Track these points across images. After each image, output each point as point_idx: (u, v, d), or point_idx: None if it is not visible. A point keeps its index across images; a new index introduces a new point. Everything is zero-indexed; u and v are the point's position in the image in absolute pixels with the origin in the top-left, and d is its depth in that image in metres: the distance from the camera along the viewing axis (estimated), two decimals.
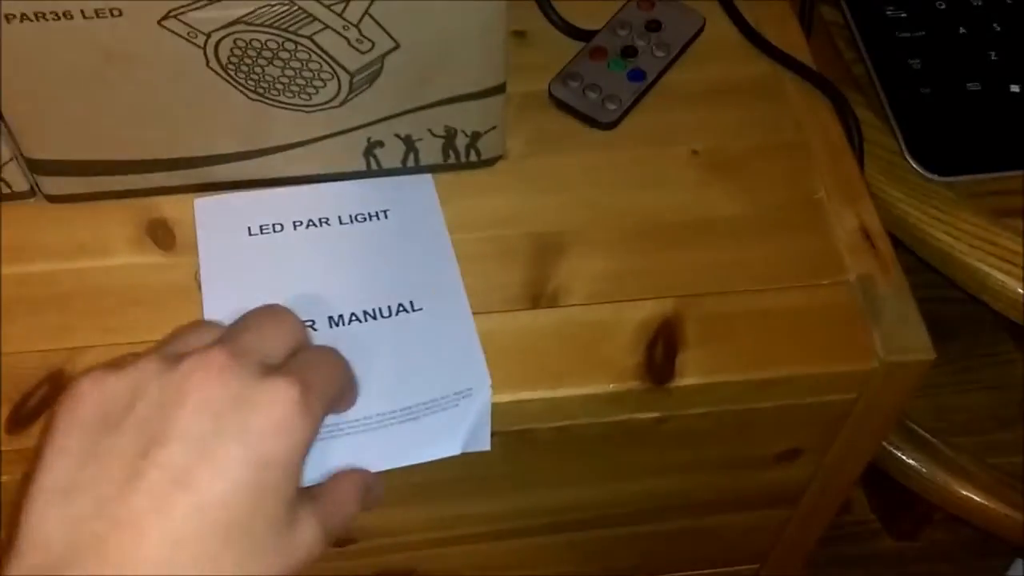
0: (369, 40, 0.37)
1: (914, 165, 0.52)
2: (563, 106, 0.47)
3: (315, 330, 0.39)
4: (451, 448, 0.37)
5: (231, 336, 0.32)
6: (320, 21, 0.36)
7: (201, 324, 0.34)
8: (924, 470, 0.67)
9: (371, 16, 0.37)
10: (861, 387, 0.42)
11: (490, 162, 0.45)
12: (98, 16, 0.35)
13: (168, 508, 0.27)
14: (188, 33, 0.36)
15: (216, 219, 0.42)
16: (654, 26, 0.49)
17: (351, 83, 0.39)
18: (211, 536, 0.27)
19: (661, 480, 0.48)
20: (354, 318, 0.39)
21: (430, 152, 0.43)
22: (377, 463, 0.36)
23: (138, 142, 0.41)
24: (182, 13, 0.35)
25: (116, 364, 0.30)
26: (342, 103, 0.40)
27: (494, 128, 0.43)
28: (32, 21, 0.35)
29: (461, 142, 0.43)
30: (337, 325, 0.39)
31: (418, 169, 0.44)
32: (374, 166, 0.43)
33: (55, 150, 0.40)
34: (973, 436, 0.69)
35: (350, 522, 0.33)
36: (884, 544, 0.93)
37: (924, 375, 0.42)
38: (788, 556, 0.57)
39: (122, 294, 0.41)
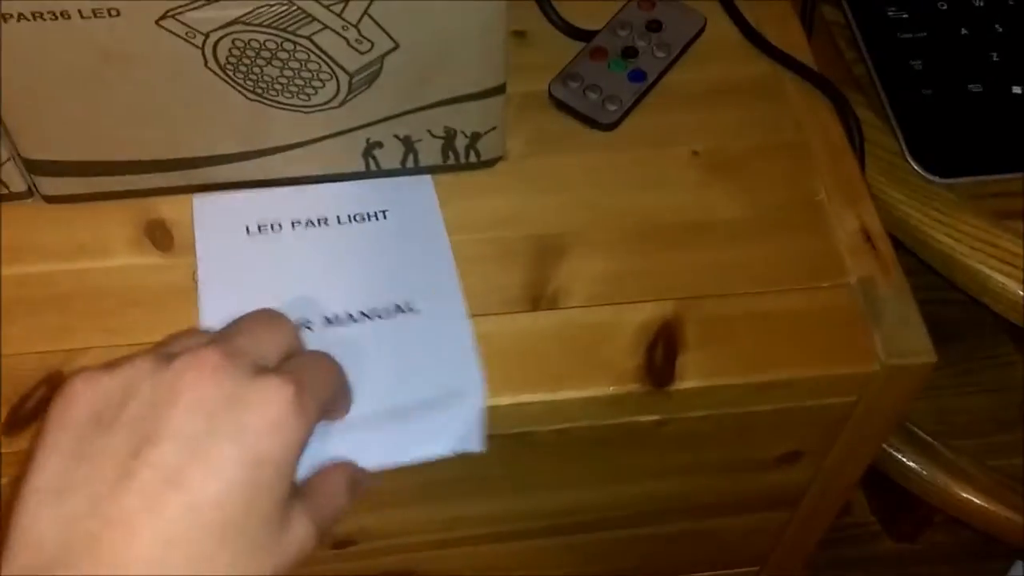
0: (368, 40, 0.37)
1: (915, 166, 0.51)
2: (563, 107, 0.47)
3: (311, 330, 0.39)
4: (440, 448, 0.37)
5: (225, 337, 0.31)
6: (319, 21, 0.36)
7: (195, 330, 0.34)
8: (924, 472, 0.67)
9: (370, 16, 0.36)
10: (862, 390, 0.42)
11: (490, 163, 0.45)
12: (96, 16, 0.35)
13: (160, 507, 0.27)
14: (186, 33, 0.36)
15: (214, 218, 0.42)
16: (655, 26, 0.49)
17: (350, 83, 0.39)
18: (204, 535, 0.27)
19: (661, 483, 0.47)
20: (350, 318, 0.39)
21: (430, 153, 0.43)
22: (366, 462, 0.36)
23: (136, 142, 0.40)
24: (180, 13, 0.35)
25: (110, 364, 0.30)
26: (341, 103, 0.40)
27: (494, 129, 0.43)
28: (30, 21, 0.34)
29: (461, 143, 0.43)
30: (333, 325, 0.39)
31: (418, 170, 0.44)
32: (373, 167, 0.43)
33: (53, 150, 0.40)
34: (973, 438, 0.68)
35: (341, 516, 0.33)
36: (884, 546, 0.93)
37: (925, 378, 0.41)
38: (788, 558, 0.57)
39: (121, 295, 0.41)
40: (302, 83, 0.39)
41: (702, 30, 0.50)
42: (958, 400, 0.70)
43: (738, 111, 0.48)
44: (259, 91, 0.39)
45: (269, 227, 0.42)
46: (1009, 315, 0.50)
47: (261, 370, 0.30)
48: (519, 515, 0.48)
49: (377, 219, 0.43)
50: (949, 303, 0.57)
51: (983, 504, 0.66)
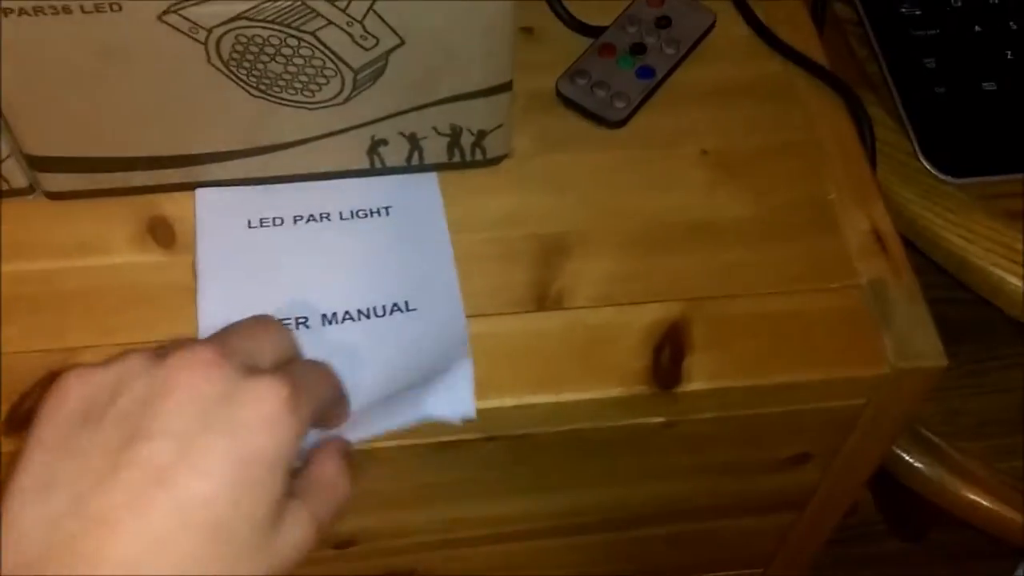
0: (373, 36, 0.37)
1: (928, 166, 0.51)
2: (571, 104, 0.46)
3: (308, 327, 0.39)
4: (429, 410, 0.36)
5: (220, 338, 0.31)
6: (323, 17, 0.36)
7: (193, 339, 0.34)
8: (932, 474, 0.66)
9: (375, 12, 0.36)
10: (871, 393, 0.41)
11: (496, 161, 0.44)
12: (97, 11, 0.34)
13: (145, 506, 0.27)
14: (189, 29, 0.35)
15: (216, 210, 0.42)
16: (664, 23, 0.49)
17: (355, 80, 0.38)
18: (192, 536, 0.27)
19: (666, 484, 0.47)
20: (347, 316, 0.39)
21: (435, 150, 0.43)
22: (355, 434, 0.35)
23: (138, 139, 0.40)
24: (183, 8, 0.35)
25: (104, 361, 0.30)
26: (346, 100, 0.39)
27: (500, 127, 0.42)
28: (30, 16, 0.34)
29: (467, 141, 0.43)
30: (330, 323, 0.39)
31: (423, 168, 0.44)
32: (378, 164, 0.43)
33: (55, 146, 0.40)
34: (981, 440, 0.68)
35: (345, 505, 0.32)
36: (890, 545, 0.93)
37: (935, 381, 0.41)
38: (793, 559, 0.57)
39: (122, 293, 0.40)
40: (306, 79, 0.38)
41: (712, 27, 0.49)
42: (966, 401, 0.69)
43: (748, 109, 0.47)
44: (262, 87, 0.38)
45: (271, 221, 0.42)
46: (1022, 317, 0.50)
47: (255, 370, 0.30)
48: (522, 516, 0.48)
49: (379, 216, 0.42)
50: (957, 302, 0.57)
51: (990, 506, 0.66)
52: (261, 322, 0.33)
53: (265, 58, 0.37)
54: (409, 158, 0.43)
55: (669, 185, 0.45)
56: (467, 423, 0.38)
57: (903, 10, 0.55)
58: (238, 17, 0.35)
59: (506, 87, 0.41)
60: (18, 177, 0.41)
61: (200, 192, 0.42)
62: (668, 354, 0.40)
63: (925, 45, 0.54)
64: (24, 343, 0.39)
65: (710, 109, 0.47)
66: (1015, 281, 0.48)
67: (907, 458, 0.66)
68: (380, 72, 0.38)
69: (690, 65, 0.48)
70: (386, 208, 0.43)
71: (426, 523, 0.47)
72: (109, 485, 0.27)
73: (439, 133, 0.42)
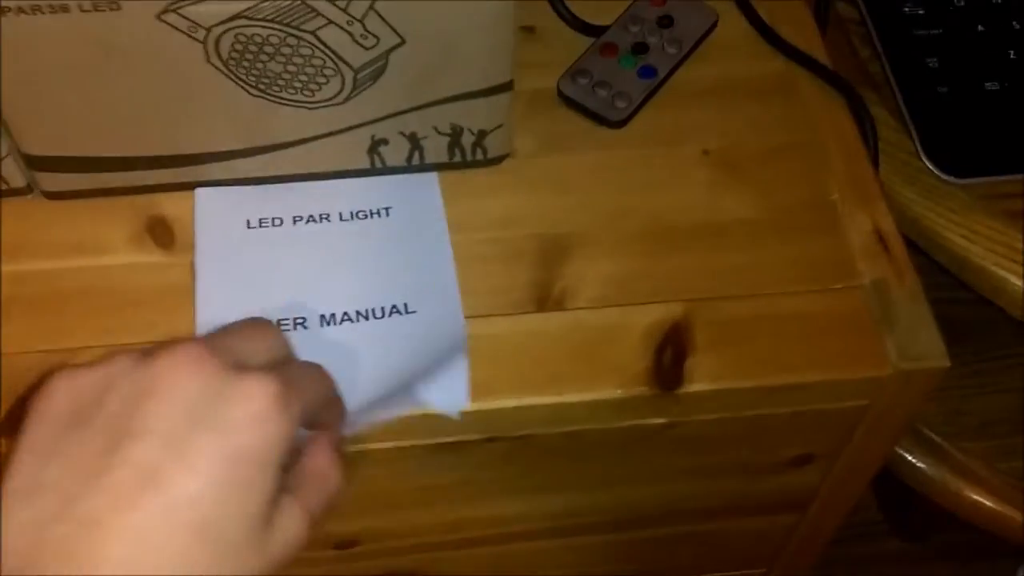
0: (373, 36, 0.37)
1: (930, 166, 0.51)
2: (572, 104, 0.46)
3: (306, 328, 0.38)
4: (421, 398, 0.36)
5: (211, 337, 0.31)
6: (323, 16, 0.36)
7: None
8: (934, 474, 0.66)
9: (375, 11, 0.36)
10: (874, 394, 0.41)
11: (497, 161, 0.44)
12: (96, 9, 0.34)
13: (133, 507, 0.26)
14: (188, 28, 0.35)
15: (215, 210, 0.42)
16: (666, 22, 0.49)
17: (355, 80, 0.38)
18: (181, 536, 0.26)
19: (668, 485, 0.47)
20: (346, 317, 0.39)
21: (436, 150, 0.43)
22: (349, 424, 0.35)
23: (137, 138, 0.40)
24: (182, 7, 0.34)
25: (91, 361, 0.29)
26: (346, 100, 0.39)
27: (501, 126, 0.42)
28: (29, 14, 0.34)
29: (467, 140, 0.42)
30: (328, 324, 0.39)
31: (423, 167, 0.43)
32: (378, 164, 0.43)
33: (53, 146, 0.40)
34: (984, 440, 0.68)
35: (338, 498, 0.32)
36: (891, 545, 0.93)
37: (938, 381, 0.41)
38: (796, 560, 0.56)
39: (121, 294, 0.40)
40: (306, 79, 0.38)
41: (714, 26, 0.49)
42: (969, 401, 0.69)
43: (750, 109, 0.47)
44: (262, 87, 0.38)
45: (270, 221, 0.41)
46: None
47: (245, 367, 0.29)
48: (523, 516, 0.48)
49: (379, 216, 0.42)
50: (959, 302, 0.57)
51: (993, 506, 0.66)
52: (254, 323, 0.32)
53: (264, 57, 0.37)
54: (409, 158, 0.43)
55: (671, 185, 0.44)
56: (467, 423, 0.38)
57: (906, 9, 0.55)
58: (237, 16, 0.35)
59: (507, 87, 0.40)
60: (16, 177, 0.41)
61: (199, 192, 0.42)
62: (670, 355, 0.39)
63: (928, 45, 0.54)
64: (22, 343, 0.38)
65: (712, 109, 0.47)
66: (1016, 281, 0.48)
67: (909, 458, 0.66)
68: (380, 71, 0.38)
69: (692, 65, 0.48)
70: (386, 209, 0.42)
71: (427, 524, 0.47)
72: (97, 486, 0.26)
73: (440, 133, 0.42)
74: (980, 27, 0.54)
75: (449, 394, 0.37)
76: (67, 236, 0.41)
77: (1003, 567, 0.88)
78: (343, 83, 0.38)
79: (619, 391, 0.39)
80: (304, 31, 0.36)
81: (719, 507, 0.50)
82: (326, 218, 0.42)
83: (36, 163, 0.40)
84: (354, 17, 0.36)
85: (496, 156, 0.44)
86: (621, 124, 0.46)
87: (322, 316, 0.39)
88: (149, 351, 0.29)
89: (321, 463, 0.32)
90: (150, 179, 0.42)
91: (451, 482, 0.43)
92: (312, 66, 0.38)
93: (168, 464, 0.27)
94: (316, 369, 0.33)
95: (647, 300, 0.41)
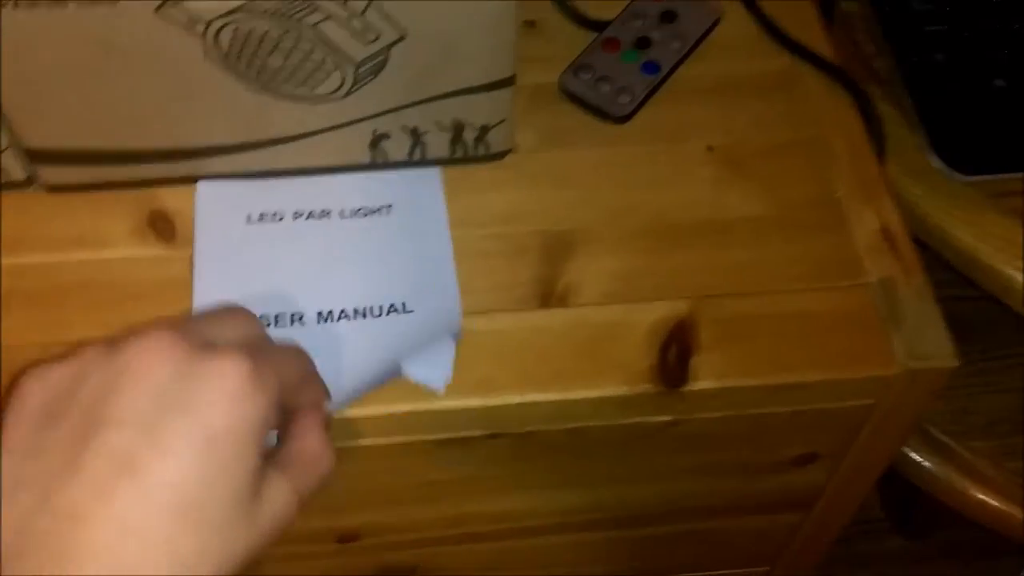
0: (374, 30, 0.36)
1: (938, 163, 0.50)
2: (574, 99, 0.46)
3: (303, 324, 0.38)
4: (407, 370, 0.36)
5: (180, 321, 0.30)
6: (323, 10, 0.35)
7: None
8: (940, 473, 0.66)
9: (376, 6, 0.35)
10: (880, 393, 0.41)
11: (499, 156, 0.44)
12: (93, 2, 0.34)
13: (111, 496, 0.26)
14: (186, 22, 0.35)
15: (216, 205, 0.41)
16: (669, 17, 0.48)
17: (356, 74, 0.38)
18: (164, 519, 0.26)
19: (671, 483, 0.47)
20: (343, 315, 0.38)
21: (437, 145, 0.42)
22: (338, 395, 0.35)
23: (137, 132, 0.40)
24: (180, 1, 0.34)
25: (61, 356, 0.29)
26: (346, 94, 0.39)
27: (503, 121, 0.42)
28: (27, 7, 0.34)
29: (469, 135, 0.42)
30: (326, 321, 0.38)
31: (425, 163, 0.43)
32: (380, 159, 0.42)
33: (53, 138, 0.39)
34: (990, 439, 0.67)
35: (330, 476, 0.32)
36: (894, 543, 0.93)
37: (945, 381, 0.40)
38: (800, 559, 0.56)
39: (121, 288, 0.40)
40: (306, 73, 0.38)
41: (718, 21, 0.49)
42: (975, 400, 0.69)
43: (755, 105, 0.47)
44: (262, 81, 0.38)
45: (270, 217, 0.41)
46: None
47: (215, 347, 0.29)
48: (526, 513, 0.48)
49: (380, 213, 0.42)
50: (966, 300, 0.56)
51: (999, 505, 0.65)
52: (226, 307, 0.32)
53: (264, 52, 0.37)
54: (411, 153, 0.42)
55: (674, 182, 0.44)
56: (471, 419, 0.38)
57: (913, 5, 0.54)
58: (236, 10, 0.35)
59: (509, 81, 0.40)
60: (16, 170, 0.41)
61: (201, 186, 0.42)
62: (675, 352, 0.39)
63: (935, 40, 0.53)
64: (22, 337, 0.38)
65: (716, 105, 0.47)
66: None
67: (915, 457, 0.66)
68: (381, 66, 0.38)
69: (696, 60, 0.48)
70: (387, 206, 0.42)
71: (430, 519, 0.47)
72: (75, 478, 0.26)
73: (441, 128, 0.41)
74: (989, 22, 0.54)
75: (435, 369, 0.36)
76: (67, 229, 0.41)
77: (1006, 566, 0.88)
78: (344, 78, 0.38)
79: (623, 388, 0.38)
80: (304, 25, 0.36)
81: (723, 505, 0.49)
82: (326, 214, 0.42)
83: (36, 156, 0.40)
84: (354, 12, 0.36)
85: (498, 151, 0.44)
86: (624, 120, 0.46)
87: (319, 313, 0.39)
88: (117, 340, 0.29)
89: (310, 442, 0.32)
90: (151, 173, 0.41)
91: (454, 478, 0.43)
92: (312, 60, 0.37)
93: (144, 450, 0.27)
94: (291, 348, 0.33)
95: (651, 297, 0.40)
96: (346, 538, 0.46)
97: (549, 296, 0.40)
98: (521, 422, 0.39)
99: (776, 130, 0.46)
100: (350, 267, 0.40)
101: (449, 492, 0.44)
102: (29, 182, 0.42)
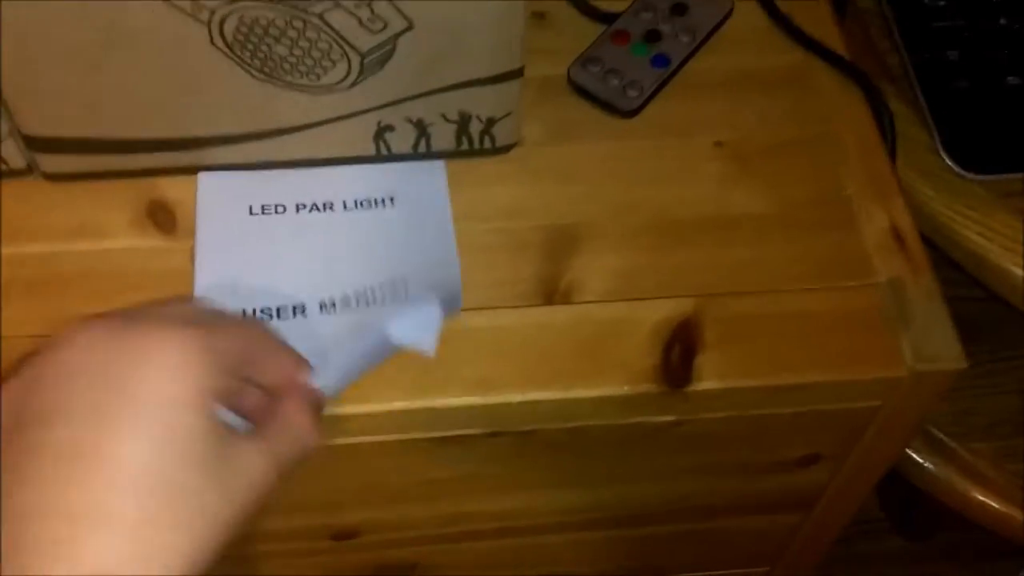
0: (381, 19, 0.36)
1: (949, 162, 0.50)
2: (582, 92, 0.45)
3: (305, 316, 0.38)
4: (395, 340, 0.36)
5: (113, 311, 0.30)
6: None
7: None
8: (941, 474, 0.66)
9: None
10: (886, 395, 0.40)
11: (505, 149, 0.43)
12: None
13: (67, 486, 0.26)
14: (192, 9, 0.34)
15: (218, 195, 0.41)
16: (680, 10, 0.48)
17: (362, 64, 0.37)
18: (128, 498, 0.26)
19: (672, 483, 0.46)
20: (345, 307, 0.38)
21: (443, 138, 0.42)
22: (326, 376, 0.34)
23: (139, 120, 0.39)
24: None
25: (15, 371, 0.29)
26: (352, 85, 0.38)
27: (510, 114, 0.41)
28: None
29: (475, 128, 0.42)
30: (328, 313, 0.38)
31: (430, 155, 0.43)
32: (384, 151, 0.42)
33: (54, 127, 0.39)
34: (992, 441, 0.67)
35: (311, 442, 0.32)
36: (893, 543, 0.92)
37: (952, 382, 0.40)
38: (800, 559, 0.56)
39: (121, 278, 0.40)
40: (312, 63, 0.37)
41: (729, 15, 0.48)
42: (978, 401, 0.69)
43: (764, 101, 0.46)
44: (267, 70, 0.37)
45: (272, 208, 0.41)
46: None
47: (147, 322, 0.29)
48: (527, 511, 0.47)
49: (384, 206, 0.41)
50: (969, 300, 0.56)
51: (1000, 507, 0.65)
52: (173, 297, 0.32)
53: (270, 40, 0.36)
54: (416, 145, 0.42)
55: (682, 177, 0.44)
56: (472, 417, 0.38)
57: (926, 1, 0.54)
58: None
59: (516, 74, 0.40)
60: (16, 158, 0.40)
61: (203, 176, 0.41)
62: (678, 352, 0.39)
63: (948, 37, 0.53)
64: (20, 327, 0.38)
65: (725, 100, 0.46)
66: None
67: (916, 458, 0.66)
68: (388, 56, 0.37)
69: (706, 54, 0.47)
70: (390, 198, 0.42)
71: (430, 517, 0.46)
72: (27, 477, 0.26)
73: (447, 120, 0.41)
74: (1003, 20, 0.53)
75: (422, 332, 0.36)
76: (67, 219, 0.41)
77: (1006, 567, 0.88)
78: (350, 67, 0.38)
79: (626, 388, 0.38)
80: (310, 14, 0.35)
81: (723, 505, 0.49)
82: (329, 207, 0.41)
83: (36, 144, 0.40)
84: (361, 0, 0.35)
85: (504, 144, 0.43)
86: (632, 114, 0.45)
87: (321, 305, 0.38)
88: (50, 342, 0.29)
89: (291, 410, 0.32)
90: (152, 162, 0.41)
91: (454, 476, 0.43)
92: (318, 49, 0.37)
93: (89, 436, 0.26)
94: (247, 320, 0.33)
95: (655, 295, 0.40)
96: (346, 535, 0.46)
97: (552, 292, 0.40)
98: (522, 421, 0.39)
99: (786, 126, 0.45)
100: (352, 260, 0.40)
101: (449, 490, 0.44)
102: (29, 170, 0.41)
